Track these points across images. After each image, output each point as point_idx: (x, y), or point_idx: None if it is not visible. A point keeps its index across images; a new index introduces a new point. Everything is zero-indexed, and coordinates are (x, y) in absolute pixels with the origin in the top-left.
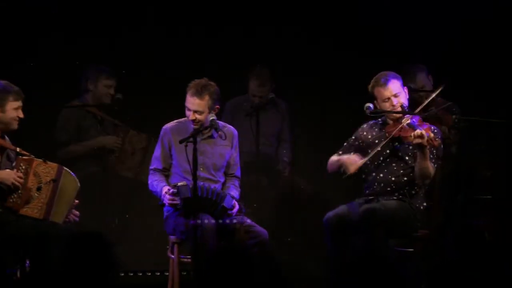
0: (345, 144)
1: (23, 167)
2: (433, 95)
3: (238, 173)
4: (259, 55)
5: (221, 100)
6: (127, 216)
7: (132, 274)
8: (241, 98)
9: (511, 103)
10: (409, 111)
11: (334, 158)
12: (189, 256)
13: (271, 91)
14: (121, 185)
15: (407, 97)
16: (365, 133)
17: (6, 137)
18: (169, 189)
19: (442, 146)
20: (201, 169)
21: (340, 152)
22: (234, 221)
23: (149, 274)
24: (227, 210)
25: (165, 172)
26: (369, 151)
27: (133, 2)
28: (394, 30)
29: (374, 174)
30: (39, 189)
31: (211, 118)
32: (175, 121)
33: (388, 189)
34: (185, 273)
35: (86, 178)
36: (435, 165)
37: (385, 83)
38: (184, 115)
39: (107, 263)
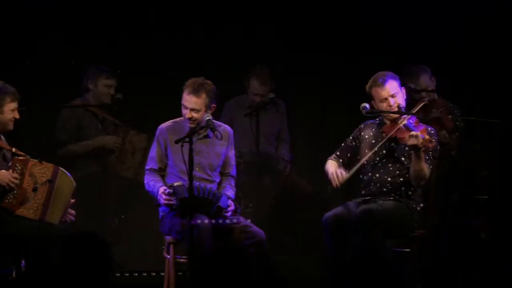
0: (342, 144)
1: (19, 167)
2: (414, 110)
3: (234, 173)
4: (259, 55)
5: (217, 99)
6: (122, 216)
7: (128, 275)
8: (241, 98)
9: (508, 103)
10: (406, 111)
11: (328, 165)
12: (185, 256)
13: (271, 91)
14: (121, 185)
15: (405, 97)
16: (362, 133)
17: (2, 137)
18: (165, 189)
19: (438, 147)
20: (197, 169)
21: (338, 153)
22: (230, 221)
23: (145, 274)
24: (223, 210)
25: (161, 172)
26: (366, 151)
27: (133, 2)
28: (394, 30)
29: (370, 174)
30: (35, 189)
31: (207, 118)
32: (171, 121)
33: (384, 189)
34: (181, 273)
35: (86, 178)
36: (431, 166)
37: (383, 83)
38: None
39: (103, 263)
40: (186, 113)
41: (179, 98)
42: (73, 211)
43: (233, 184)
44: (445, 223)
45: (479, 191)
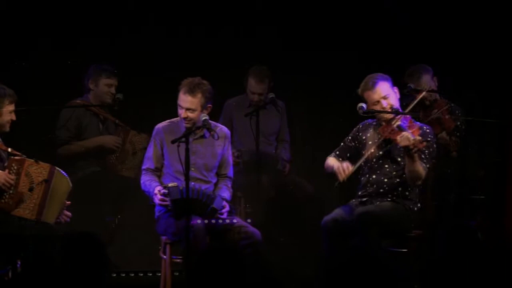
0: (342, 144)
1: (15, 167)
2: (408, 110)
3: (231, 174)
4: (259, 55)
5: (214, 99)
6: (118, 216)
7: (124, 275)
8: (241, 97)
9: (503, 103)
10: (402, 111)
11: (330, 161)
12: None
13: (271, 91)
14: (121, 185)
15: (398, 97)
16: (360, 133)
17: None
18: (160, 189)
19: (434, 145)
20: (193, 169)
21: (337, 152)
22: (225, 221)
23: (141, 274)
24: (217, 211)
25: (158, 172)
26: (363, 152)
27: (133, 2)
28: (394, 30)
29: (367, 175)
30: (31, 189)
31: (204, 118)
32: (168, 120)
33: (381, 190)
34: (177, 274)
35: (86, 178)
36: (427, 165)
37: (373, 86)
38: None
39: (98, 263)
40: (182, 113)
41: None
42: (68, 213)
43: (229, 185)
44: (442, 223)
45: (476, 191)
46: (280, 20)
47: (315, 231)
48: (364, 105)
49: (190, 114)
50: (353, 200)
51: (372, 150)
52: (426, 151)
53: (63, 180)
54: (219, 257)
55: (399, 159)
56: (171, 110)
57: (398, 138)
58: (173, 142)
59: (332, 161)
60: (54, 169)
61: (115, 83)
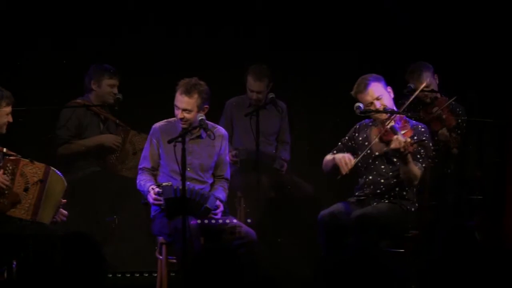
0: (339, 144)
1: (10, 167)
2: (402, 109)
3: (228, 175)
4: (259, 55)
5: (211, 100)
6: (114, 217)
7: (120, 275)
8: (242, 97)
9: (503, 103)
10: (398, 111)
11: (329, 157)
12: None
13: (270, 91)
14: (121, 185)
15: (392, 96)
16: (357, 134)
17: None
18: (153, 188)
19: (431, 144)
20: (188, 169)
21: (335, 152)
22: (219, 222)
23: (137, 275)
24: (211, 211)
25: (154, 171)
26: (359, 152)
27: (133, 2)
28: (394, 30)
29: (364, 176)
30: (26, 189)
31: (200, 118)
32: (165, 120)
33: (378, 191)
34: (173, 274)
35: (86, 178)
36: (423, 165)
37: (365, 87)
38: None
39: (94, 263)
40: (178, 113)
41: None
42: (65, 212)
43: (226, 186)
44: (439, 224)
45: (473, 191)
46: (280, 20)
47: (313, 231)
48: (361, 105)
49: (186, 115)
50: (350, 198)
51: (368, 151)
52: (422, 151)
53: (58, 180)
54: (213, 257)
55: (395, 160)
56: (171, 110)
57: (390, 140)
58: (169, 142)
59: (331, 156)
60: (49, 169)
61: (117, 84)
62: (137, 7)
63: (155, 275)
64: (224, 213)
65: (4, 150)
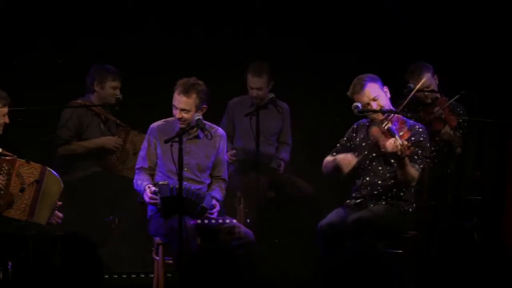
0: (338, 145)
1: (6, 168)
2: (400, 108)
3: (225, 176)
4: (259, 55)
5: (209, 100)
6: (111, 217)
7: (116, 276)
8: (244, 97)
9: (503, 103)
10: (396, 111)
11: (329, 158)
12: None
13: (271, 91)
14: (122, 185)
15: (389, 96)
16: (354, 134)
17: None
18: (149, 187)
19: (428, 144)
20: (186, 169)
21: (334, 153)
22: (217, 222)
23: (134, 276)
24: (207, 210)
25: (151, 171)
26: (357, 153)
27: (133, 2)
28: (394, 30)
29: (361, 177)
30: (22, 190)
31: (197, 117)
32: (163, 120)
33: (375, 192)
34: (170, 275)
35: (87, 178)
36: (421, 166)
37: (362, 88)
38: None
39: (90, 264)
40: (177, 113)
41: None
42: (60, 214)
43: (223, 187)
44: (438, 224)
45: (472, 192)
46: (280, 20)
47: (312, 232)
48: (359, 104)
49: (184, 115)
50: (348, 201)
51: (366, 152)
52: (419, 151)
53: (54, 181)
54: (210, 258)
55: (392, 161)
56: (171, 110)
57: (386, 143)
58: (166, 142)
59: (332, 157)
60: (46, 170)
61: (120, 85)
62: (137, 7)
63: (152, 276)
64: (221, 213)
65: (0, 150)
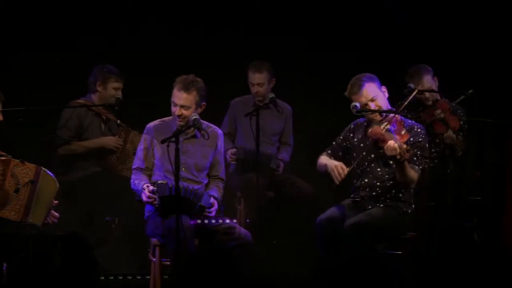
0: (333, 143)
1: (0, 168)
2: (400, 109)
3: (223, 175)
4: (259, 55)
5: (207, 98)
6: (106, 218)
7: (112, 278)
8: (246, 97)
9: (503, 103)
10: (395, 111)
11: (323, 160)
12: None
13: (271, 91)
14: (122, 185)
15: (387, 96)
16: (351, 134)
17: None
18: (148, 186)
19: (426, 145)
20: (183, 169)
21: (329, 152)
22: (216, 222)
23: (130, 277)
24: (205, 209)
25: (148, 171)
26: (354, 154)
27: (133, 2)
28: (394, 30)
29: (359, 179)
30: (17, 190)
31: (194, 117)
32: (160, 120)
33: (374, 193)
34: (167, 277)
35: (87, 178)
36: (420, 167)
37: (360, 89)
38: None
39: (86, 265)
40: (176, 110)
41: None
42: (56, 214)
43: (221, 186)
44: (438, 224)
45: (472, 192)
46: (280, 20)
47: (312, 232)
48: (358, 104)
49: (184, 112)
50: (346, 199)
51: (364, 153)
52: (418, 152)
53: (50, 181)
54: (207, 258)
55: (391, 162)
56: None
57: (385, 147)
58: (162, 142)
59: (324, 159)
60: (40, 170)
61: (122, 86)
62: (137, 7)
63: (148, 277)
64: (219, 212)
65: None
